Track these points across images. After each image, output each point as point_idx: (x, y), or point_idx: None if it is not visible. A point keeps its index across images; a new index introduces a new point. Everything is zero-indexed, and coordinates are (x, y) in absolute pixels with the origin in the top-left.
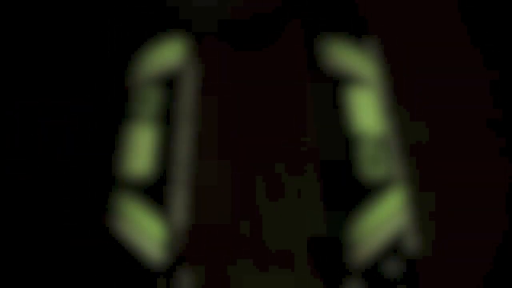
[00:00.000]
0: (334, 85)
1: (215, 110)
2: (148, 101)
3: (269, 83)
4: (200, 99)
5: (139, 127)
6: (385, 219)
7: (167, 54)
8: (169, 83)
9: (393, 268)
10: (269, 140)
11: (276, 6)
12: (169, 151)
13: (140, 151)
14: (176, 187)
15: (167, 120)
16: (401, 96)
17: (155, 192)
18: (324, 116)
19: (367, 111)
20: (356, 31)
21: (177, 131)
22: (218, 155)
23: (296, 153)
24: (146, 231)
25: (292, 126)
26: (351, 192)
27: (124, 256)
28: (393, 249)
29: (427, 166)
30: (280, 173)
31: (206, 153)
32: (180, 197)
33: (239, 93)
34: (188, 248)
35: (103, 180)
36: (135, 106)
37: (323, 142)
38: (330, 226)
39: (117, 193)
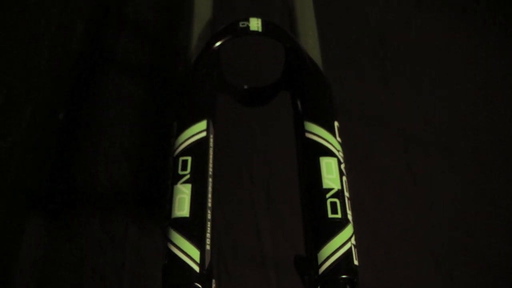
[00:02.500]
0: (312, 151)
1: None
2: (184, 165)
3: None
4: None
5: (180, 184)
6: (340, 245)
7: (194, 131)
8: (197, 151)
9: (344, 276)
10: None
11: (276, 80)
12: (201, 200)
13: (182, 200)
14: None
15: (198, 178)
16: None
17: (192, 226)
18: (305, 173)
19: (331, 172)
20: (328, 117)
21: (205, 185)
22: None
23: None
24: (186, 251)
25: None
26: (321, 227)
27: (171, 268)
28: (345, 263)
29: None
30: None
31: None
32: (208, 230)
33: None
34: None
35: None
36: (176, 170)
37: (303, 192)
38: (308, 248)
39: (169, 228)
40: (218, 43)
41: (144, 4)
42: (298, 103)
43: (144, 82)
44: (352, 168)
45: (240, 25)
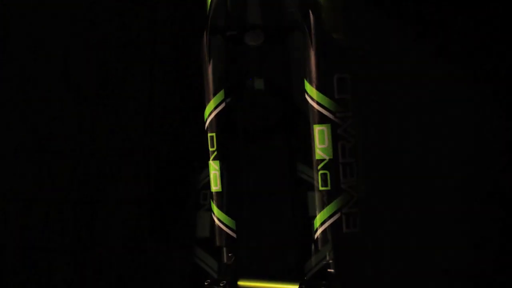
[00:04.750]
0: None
1: None
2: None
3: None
4: None
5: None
6: (320, 259)
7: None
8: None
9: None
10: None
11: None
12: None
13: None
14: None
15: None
16: None
17: (212, 244)
18: (295, 202)
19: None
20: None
21: None
22: None
23: None
24: (208, 263)
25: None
26: (306, 246)
27: (197, 275)
28: (323, 273)
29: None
30: None
31: None
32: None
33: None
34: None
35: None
36: (199, 200)
37: (294, 216)
38: (297, 261)
39: (195, 246)
40: (228, 99)
41: (158, 35)
42: (291, 144)
43: (160, 108)
44: None
45: (247, 84)
